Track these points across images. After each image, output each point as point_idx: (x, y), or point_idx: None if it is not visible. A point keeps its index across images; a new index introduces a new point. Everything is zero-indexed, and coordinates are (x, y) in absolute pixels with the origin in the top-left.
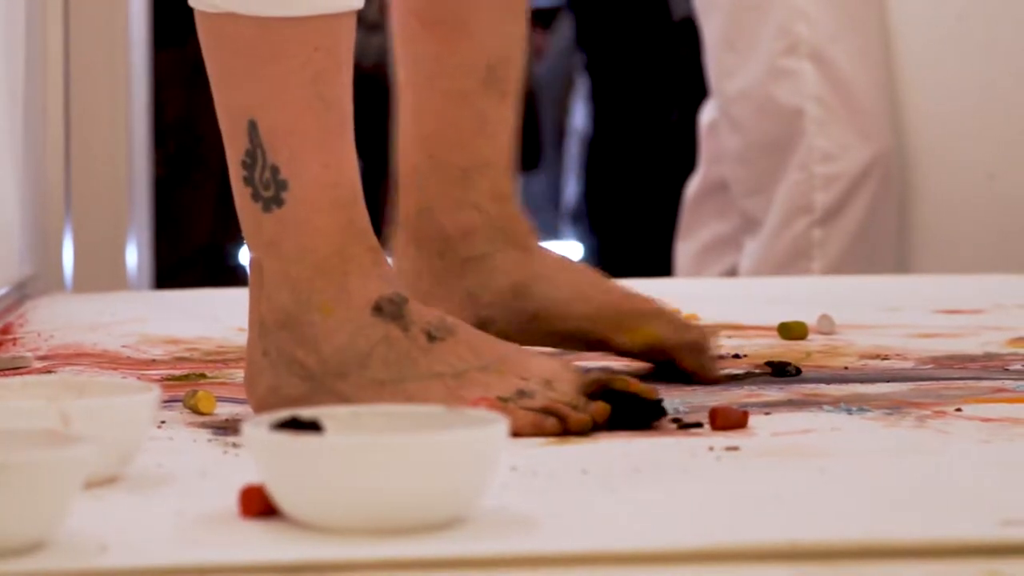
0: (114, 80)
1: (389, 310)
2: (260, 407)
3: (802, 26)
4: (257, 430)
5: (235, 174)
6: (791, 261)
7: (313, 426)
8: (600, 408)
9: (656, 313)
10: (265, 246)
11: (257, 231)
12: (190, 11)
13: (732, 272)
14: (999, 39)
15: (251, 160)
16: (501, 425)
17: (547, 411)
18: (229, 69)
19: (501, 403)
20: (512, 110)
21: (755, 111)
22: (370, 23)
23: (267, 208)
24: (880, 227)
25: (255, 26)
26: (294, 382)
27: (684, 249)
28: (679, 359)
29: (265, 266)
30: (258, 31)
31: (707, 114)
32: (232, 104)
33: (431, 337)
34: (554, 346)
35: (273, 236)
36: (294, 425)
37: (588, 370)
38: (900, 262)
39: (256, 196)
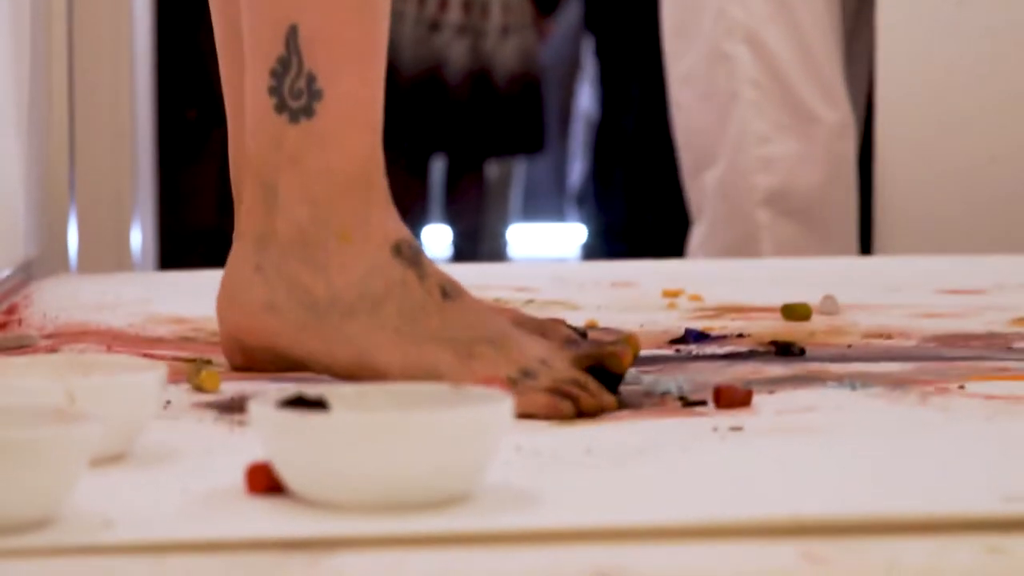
0: (118, 61)
1: (408, 254)
2: (250, 325)
3: (737, 9)
4: (263, 408)
5: (258, 84)
6: (740, 245)
7: (319, 404)
8: (611, 401)
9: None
10: (287, 160)
11: (277, 144)
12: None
13: None
14: (1000, 22)
15: (283, 68)
16: (506, 403)
17: (560, 393)
18: None
19: (511, 383)
20: None
21: (696, 95)
22: None
23: (294, 119)
24: (833, 209)
25: None
26: (294, 306)
27: (697, 232)
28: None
29: (282, 182)
30: None
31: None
32: (272, 6)
33: (445, 294)
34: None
35: (297, 150)
36: (300, 403)
37: (576, 342)
38: (864, 245)
39: (281, 107)
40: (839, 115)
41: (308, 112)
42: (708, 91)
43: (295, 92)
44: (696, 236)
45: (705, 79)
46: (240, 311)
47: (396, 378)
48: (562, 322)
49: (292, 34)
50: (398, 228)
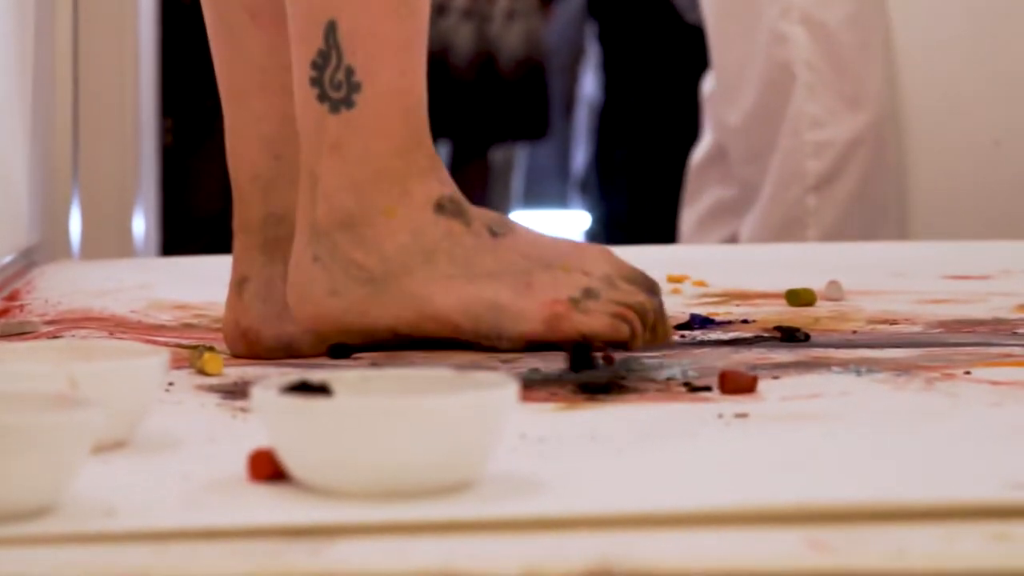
0: (122, 47)
1: (451, 208)
2: (319, 314)
3: None
4: (266, 393)
5: (302, 75)
6: (786, 229)
7: (322, 389)
8: (665, 331)
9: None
10: (328, 148)
11: (319, 134)
12: None
13: (733, 239)
14: (1005, 6)
15: (323, 61)
16: (510, 388)
17: (620, 317)
18: None
19: (573, 304)
20: None
21: (750, 78)
22: None
23: (335, 109)
24: (876, 194)
25: None
26: (353, 286)
27: (688, 215)
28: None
29: (323, 169)
30: None
31: (708, 83)
32: (306, 7)
33: (493, 233)
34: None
35: (338, 138)
36: (303, 388)
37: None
38: (900, 230)
39: (323, 97)
40: (883, 101)
41: (348, 103)
42: (762, 73)
43: (335, 84)
44: (747, 221)
45: (759, 61)
46: (309, 304)
47: (459, 320)
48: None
49: (331, 29)
50: (440, 186)
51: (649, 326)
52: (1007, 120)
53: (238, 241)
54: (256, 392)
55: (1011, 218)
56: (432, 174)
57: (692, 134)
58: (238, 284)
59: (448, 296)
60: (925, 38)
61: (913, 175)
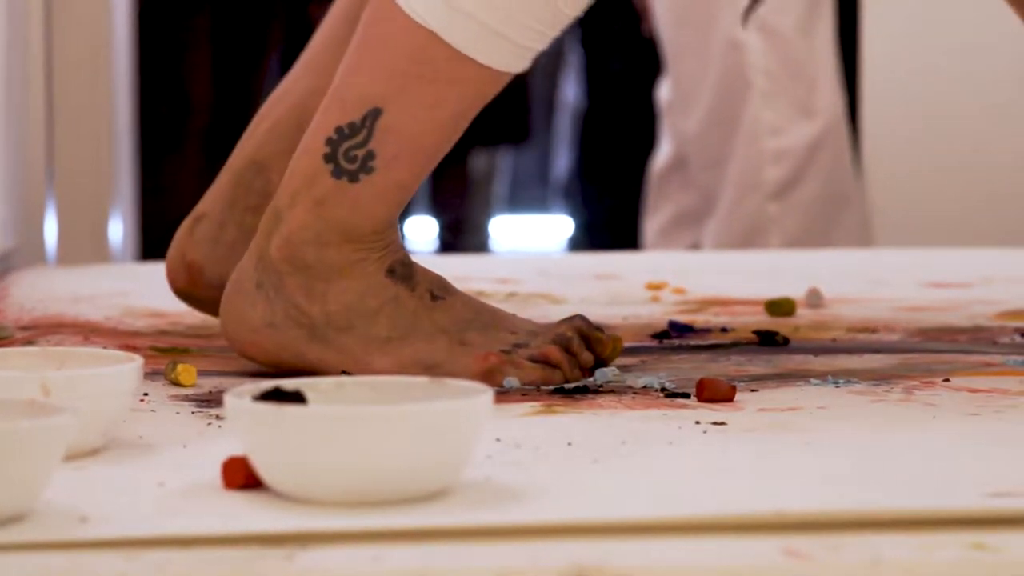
0: (96, 49)
1: (401, 272)
2: (255, 341)
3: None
4: (240, 400)
5: (321, 129)
6: (749, 237)
7: (296, 396)
8: (588, 358)
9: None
10: (311, 201)
11: (308, 183)
12: None
13: (695, 247)
14: (987, 16)
15: (350, 132)
16: (486, 396)
17: (548, 362)
18: (380, 60)
19: (506, 355)
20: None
21: (706, 86)
22: None
23: (337, 175)
24: (837, 200)
25: (434, 45)
26: (291, 325)
27: (650, 225)
28: None
29: (294, 215)
30: (434, 50)
31: (664, 91)
32: (367, 82)
33: (434, 296)
34: None
35: (325, 198)
36: (277, 395)
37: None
38: (863, 236)
39: (331, 159)
40: (836, 105)
41: (353, 178)
42: (719, 81)
43: (350, 157)
44: (708, 229)
45: (715, 69)
46: (245, 329)
47: None
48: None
49: (373, 115)
50: (394, 251)
51: (576, 351)
52: (988, 130)
53: (217, 178)
54: (229, 399)
55: (993, 225)
56: (392, 240)
57: None
58: (195, 220)
59: (385, 357)
60: (901, 50)
61: (879, 180)
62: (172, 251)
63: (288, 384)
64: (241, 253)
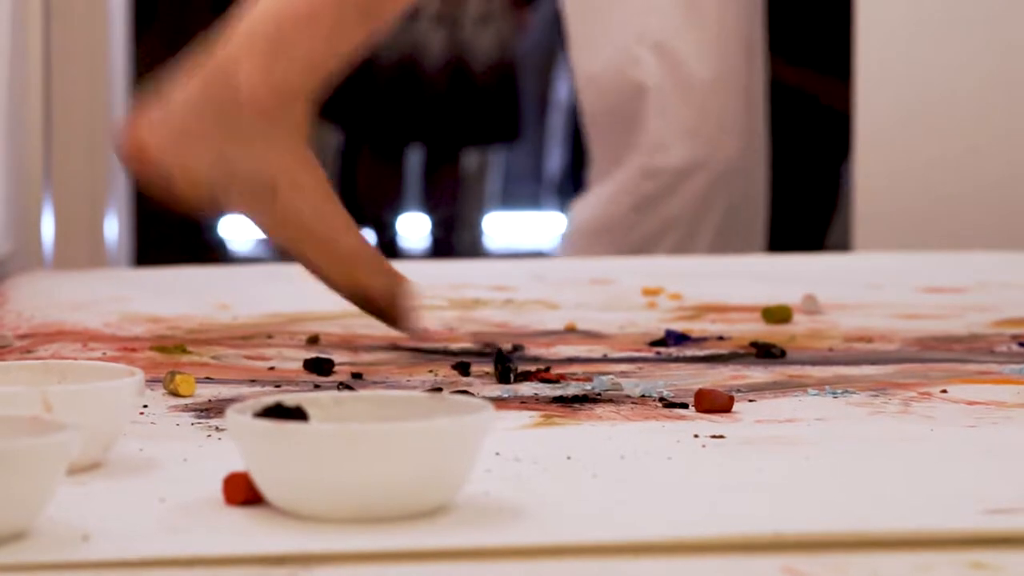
0: (93, 52)
1: None
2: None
3: (650, 17)
4: (240, 417)
5: None
6: (609, 230)
7: (298, 412)
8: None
9: (369, 260)
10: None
11: None
12: None
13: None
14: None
15: None
16: (486, 412)
17: None
18: None
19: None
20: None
21: (600, 95)
22: None
23: None
24: (736, 223)
25: None
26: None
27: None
28: (380, 308)
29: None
30: None
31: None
32: None
33: None
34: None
35: None
36: (278, 412)
37: None
38: (844, 241)
39: None
40: (741, 132)
41: None
42: (615, 92)
43: None
44: (600, 237)
45: (613, 81)
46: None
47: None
48: None
49: None
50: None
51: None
52: (980, 132)
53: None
54: (230, 415)
55: (985, 227)
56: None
57: None
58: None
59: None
60: (893, 52)
61: (870, 187)
62: (132, 120)
63: (289, 400)
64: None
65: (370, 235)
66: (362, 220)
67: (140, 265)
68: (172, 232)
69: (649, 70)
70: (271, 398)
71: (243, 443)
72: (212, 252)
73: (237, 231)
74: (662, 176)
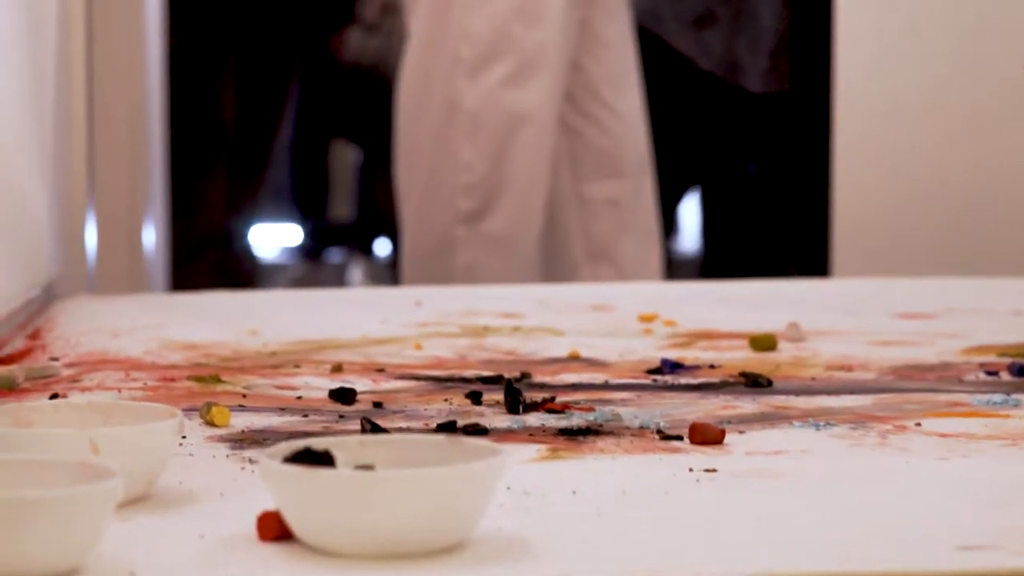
0: (131, 85)
1: None
2: None
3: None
4: (271, 462)
5: None
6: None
7: (325, 457)
8: None
9: None
10: None
11: None
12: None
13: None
14: (955, 48)
15: None
16: (500, 457)
17: None
18: None
19: None
20: None
21: (413, 115)
22: (369, 23)
23: None
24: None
25: None
26: None
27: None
28: None
29: None
30: None
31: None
32: None
33: None
34: None
35: None
36: (307, 456)
37: None
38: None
39: None
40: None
41: None
42: (424, 107)
43: None
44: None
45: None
46: None
47: None
48: None
49: None
50: None
51: None
52: (956, 160)
53: None
54: (263, 460)
55: (958, 253)
56: None
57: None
58: None
59: None
60: (871, 82)
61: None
62: None
63: (317, 444)
64: None
65: (387, 249)
66: (380, 236)
67: (176, 270)
68: (205, 241)
69: None
70: (300, 442)
71: (274, 486)
72: (241, 261)
73: (266, 239)
74: (479, 191)
